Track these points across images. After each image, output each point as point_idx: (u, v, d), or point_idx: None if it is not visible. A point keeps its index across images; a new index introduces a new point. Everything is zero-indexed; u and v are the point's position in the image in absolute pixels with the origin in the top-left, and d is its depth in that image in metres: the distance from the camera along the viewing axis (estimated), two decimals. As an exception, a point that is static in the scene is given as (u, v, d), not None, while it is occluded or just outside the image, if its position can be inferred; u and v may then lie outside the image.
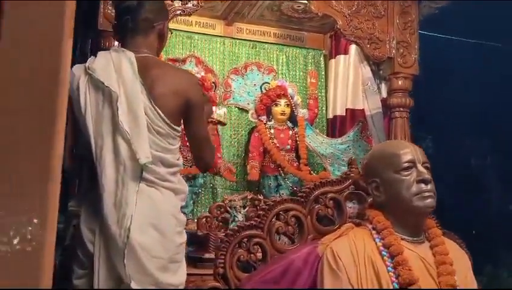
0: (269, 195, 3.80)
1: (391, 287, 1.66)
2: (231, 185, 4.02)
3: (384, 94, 3.55)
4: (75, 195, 2.10)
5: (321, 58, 4.53)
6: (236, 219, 3.31)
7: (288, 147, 3.88)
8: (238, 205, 3.34)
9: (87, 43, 3.17)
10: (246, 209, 3.39)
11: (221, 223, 3.38)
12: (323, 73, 4.47)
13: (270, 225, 2.03)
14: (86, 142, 1.88)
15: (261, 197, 3.60)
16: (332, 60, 4.34)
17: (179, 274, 1.92)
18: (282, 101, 3.92)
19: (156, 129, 1.89)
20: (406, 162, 1.75)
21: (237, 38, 4.32)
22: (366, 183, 1.90)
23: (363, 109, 3.91)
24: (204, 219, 3.37)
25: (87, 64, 1.95)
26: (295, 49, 4.48)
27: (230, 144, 4.19)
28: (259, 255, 2.04)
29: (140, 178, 1.84)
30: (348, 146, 3.83)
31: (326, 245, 1.79)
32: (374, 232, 1.78)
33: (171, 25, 3.53)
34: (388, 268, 1.69)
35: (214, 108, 3.89)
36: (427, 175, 1.74)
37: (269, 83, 4.08)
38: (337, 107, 4.16)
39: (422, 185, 1.73)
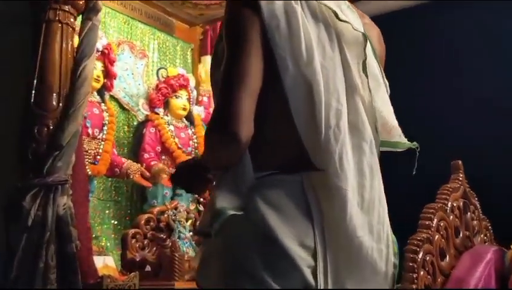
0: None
1: None
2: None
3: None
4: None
5: (188, 52, 3.97)
6: (182, 235, 2.51)
7: (190, 149, 3.20)
8: (182, 217, 2.54)
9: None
10: (189, 223, 2.60)
11: (151, 242, 2.50)
12: (190, 68, 3.91)
13: (436, 238, 1.62)
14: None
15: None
16: (207, 57, 3.84)
17: None
18: (184, 94, 3.23)
19: None
20: None
21: (107, 6, 3.39)
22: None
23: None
24: (132, 238, 2.43)
25: None
26: (166, 36, 3.81)
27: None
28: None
29: None
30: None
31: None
32: None
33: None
34: None
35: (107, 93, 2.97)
36: None
37: (166, 69, 3.32)
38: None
39: None
